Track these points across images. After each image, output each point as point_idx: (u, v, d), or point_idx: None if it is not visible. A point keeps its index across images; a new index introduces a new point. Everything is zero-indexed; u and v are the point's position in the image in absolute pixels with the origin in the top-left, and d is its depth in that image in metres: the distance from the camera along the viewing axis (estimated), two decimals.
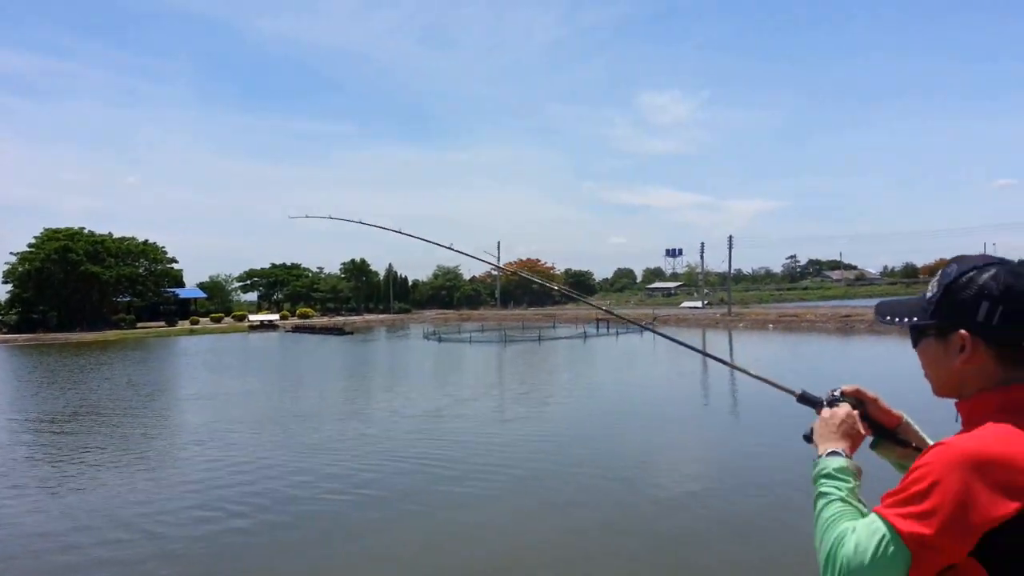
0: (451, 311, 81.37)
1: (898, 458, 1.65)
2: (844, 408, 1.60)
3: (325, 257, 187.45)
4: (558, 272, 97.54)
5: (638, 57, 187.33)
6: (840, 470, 1.48)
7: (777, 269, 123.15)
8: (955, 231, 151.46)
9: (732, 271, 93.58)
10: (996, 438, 1.30)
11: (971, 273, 1.41)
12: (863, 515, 1.38)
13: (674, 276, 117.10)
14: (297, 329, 57.12)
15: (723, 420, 15.04)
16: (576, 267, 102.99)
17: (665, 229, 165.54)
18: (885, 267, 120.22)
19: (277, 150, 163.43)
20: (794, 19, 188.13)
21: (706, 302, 64.58)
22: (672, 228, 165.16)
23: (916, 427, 1.67)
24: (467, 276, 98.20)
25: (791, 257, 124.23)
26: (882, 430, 1.64)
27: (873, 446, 1.67)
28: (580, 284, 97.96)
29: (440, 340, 40.71)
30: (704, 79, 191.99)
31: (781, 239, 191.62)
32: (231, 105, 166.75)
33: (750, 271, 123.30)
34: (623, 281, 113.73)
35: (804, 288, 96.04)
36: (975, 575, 1.27)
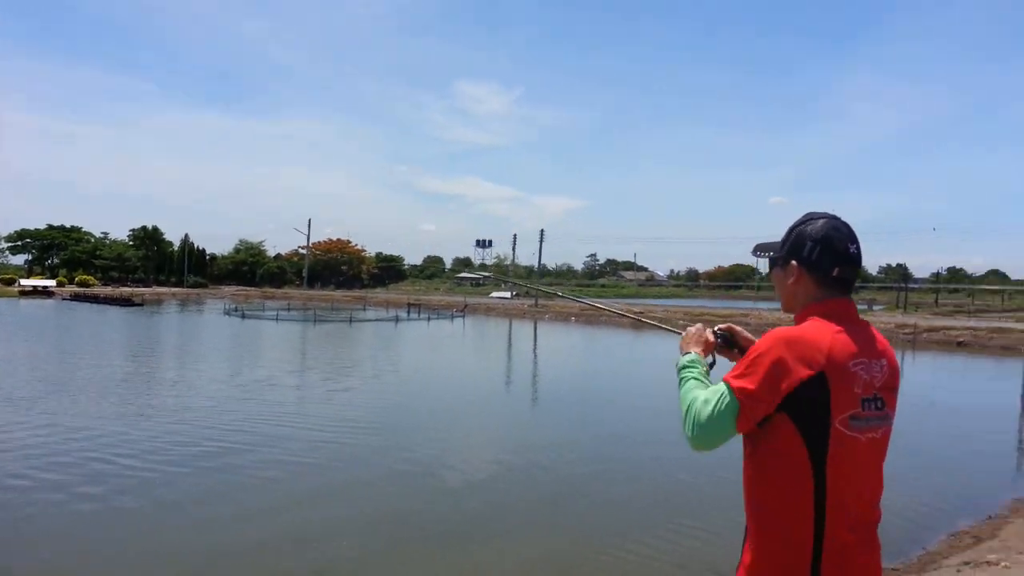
0: (253, 288, 77.35)
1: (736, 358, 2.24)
2: (696, 326, 2.23)
3: (112, 222, 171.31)
4: (369, 255, 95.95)
5: (459, 44, 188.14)
6: (692, 361, 2.07)
7: (578, 266, 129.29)
8: (732, 240, 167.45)
9: (535, 266, 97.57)
10: (807, 327, 1.88)
11: (806, 223, 2.03)
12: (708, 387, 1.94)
13: (483, 266, 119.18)
14: (77, 298, 51.90)
15: (523, 406, 15.52)
16: (387, 251, 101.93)
17: (475, 220, 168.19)
18: (672, 270, 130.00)
19: (66, 102, 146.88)
20: (605, 30, 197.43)
21: (514, 292, 66.42)
22: (482, 219, 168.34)
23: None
24: (271, 252, 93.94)
25: (591, 256, 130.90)
26: (742, 352, 2.23)
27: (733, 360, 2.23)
28: (390, 269, 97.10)
29: (244, 316, 38.71)
30: (521, 74, 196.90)
31: (584, 237, 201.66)
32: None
33: (554, 266, 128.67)
34: (433, 268, 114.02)
35: (602, 286, 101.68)
36: (783, 425, 1.80)
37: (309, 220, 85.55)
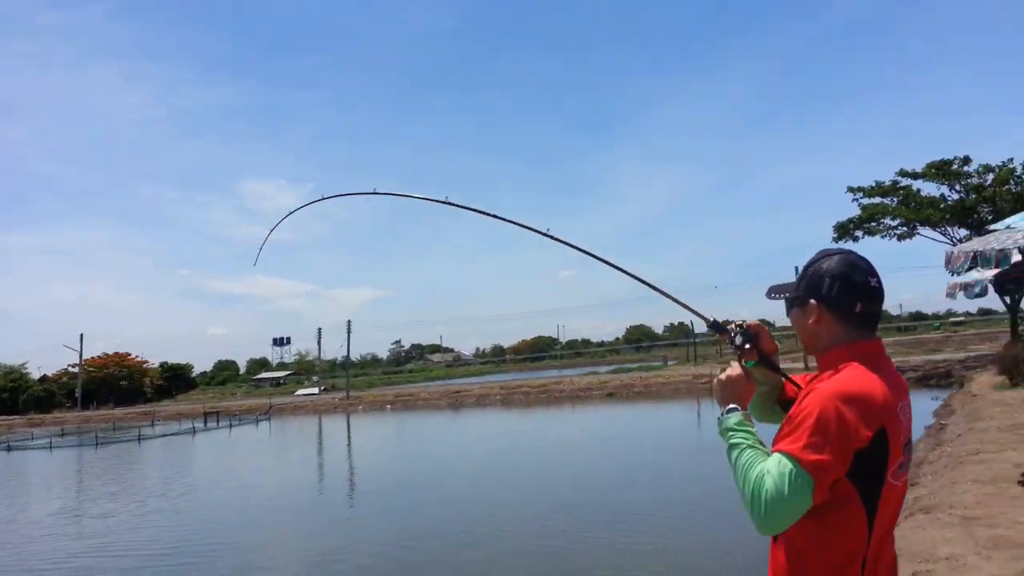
0: (16, 416, 67.77)
1: (762, 377, 2.06)
2: (735, 369, 1.98)
3: None
4: (152, 366, 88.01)
5: (241, 143, 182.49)
6: (740, 423, 1.87)
7: (383, 354, 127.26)
8: (532, 314, 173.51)
9: (340, 358, 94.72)
10: (854, 378, 1.74)
11: (821, 260, 1.93)
12: (768, 455, 1.74)
13: (282, 365, 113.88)
14: None
15: (336, 510, 14.47)
16: (173, 359, 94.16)
17: (269, 318, 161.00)
18: (477, 348, 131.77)
19: None
20: (386, 122, 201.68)
21: (322, 388, 63.63)
22: (276, 317, 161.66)
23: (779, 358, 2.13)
24: (36, 375, 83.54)
25: (396, 342, 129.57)
26: (763, 356, 2.04)
27: (749, 364, 2.04)
28: (178, 378, 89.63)
29: (9, 449, 33.52)
30: (309, 169, 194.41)
31: (387, 325, 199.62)
32: None
33: (358, 357, 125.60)
34: (226, 374, 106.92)
35: (410, 371, 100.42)
36: (844, 486, 1.68)
37: (81, 335, 77.09)
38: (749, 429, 1.86)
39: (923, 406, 18.05)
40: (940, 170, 32.29)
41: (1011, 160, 31.50)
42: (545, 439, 23.37)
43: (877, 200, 33.96)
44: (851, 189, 34.45)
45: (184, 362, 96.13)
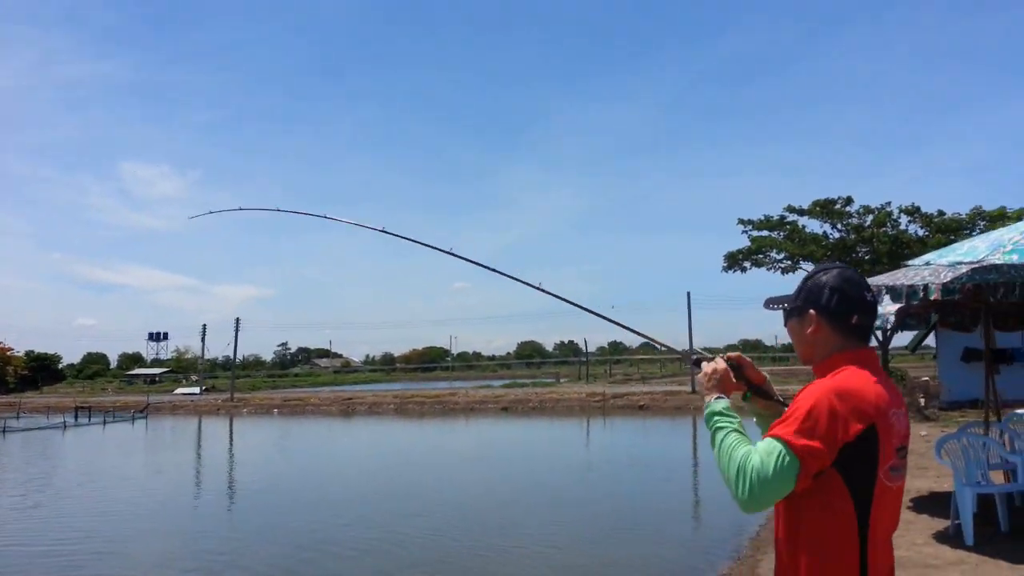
0: None
1: (762, 408, 2.20)
2: (719, 363, 2.14)
3: None
4: (17, 354, 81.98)
5: (122, 123, 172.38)
6: (727, 409, 2.01)
7: (267, 356, 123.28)
8: (424, 323, 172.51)
9: (221, 358, 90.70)
10: (850, 377, 1.87)
11: (820, 273, 2.05)
12: (752, 442, 1.87)
13: (158, 362, 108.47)
14: None
15: (216, 516, 14.15)
16: (39, 348, 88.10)
17: (144, 311, 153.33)
18: (367, 355, 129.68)
19: None
20: (286, 113, 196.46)
21: (204, 388, 60.99)
22: (152, 311, 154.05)
23: (774, 387, 2.25)
24: None
25: (282, 344, 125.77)
26: (753, 386, 2.18)
27: (745, 398, 2.22)
28: (44, 369, 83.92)
29: None
30: (199, 156, 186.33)
31: (272, 326, 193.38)
32: None
33: (241, 357, 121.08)
34: (95, 367, 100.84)
35: (296, 375, 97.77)
36: (832, 479, 1.78)
37: None
38: (734, 416, 1.97)
39: None
40: (824, 208, 34.56)
41: (888, 204, 34.16)
42: (442, 450, 23.39)
43: (765, 233, 35.98)
44: (741, 221, 36.37)
45: (51, 352, 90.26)
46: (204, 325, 60.95)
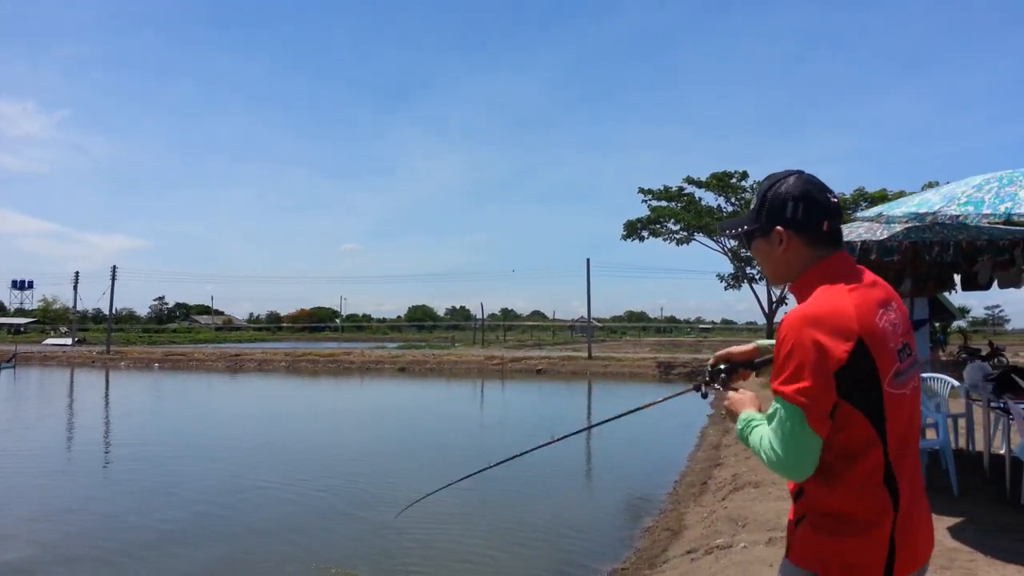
0: None
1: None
2: (734, 394, 2.02)
3: None
4: None
5: None
6: (744, 418, 1.87)
7: (143, 311, 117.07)
8: (311, 282, 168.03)
9: (92, 310, 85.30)
10: (822, 298, 1.72)
11: (777, 184, 1.87)
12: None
13: (21, 311, 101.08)
14: None
15: (91, 472, 13.30)
16: None
17: (6, 257, 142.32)
18: (251, 314, 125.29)
19: None
20: (169, 56, 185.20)
21: (75, 340, 57.18)
22: (13, 257, 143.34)
23: (766, 341, 2.14)
24: None
25: (159, 299, 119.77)
26: (749, 365, 2.12)
27: (757, 375, 2.16)
28: None
29: None
30: (69, 95, 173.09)
31: (148, 277, 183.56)
32: None
33: (114, 311, 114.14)
34: None
35: (174, 331, 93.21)
36: (841, 408, 1.66)
37: None
38: (753, 416, 1.85)
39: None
40: (721, 181, 35.61)
41: None
42: (333, 407, 22.82)
43: (664, 203, 36.75)
44: (642, 190, 36.98)
45: None
46: (77, 272, 57.06)
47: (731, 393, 2.03)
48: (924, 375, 9.05)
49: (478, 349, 45.46)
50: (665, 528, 7.65)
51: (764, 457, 1.72)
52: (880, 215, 5.37)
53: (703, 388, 2.17)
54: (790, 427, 1.64)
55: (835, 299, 1.70)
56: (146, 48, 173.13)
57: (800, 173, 1.87)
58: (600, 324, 54.06)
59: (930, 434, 7.96)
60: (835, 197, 1.85)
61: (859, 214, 6.56)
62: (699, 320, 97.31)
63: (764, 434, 1.73)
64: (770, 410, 1.72)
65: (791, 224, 1.82)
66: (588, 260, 41.47)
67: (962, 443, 8.47)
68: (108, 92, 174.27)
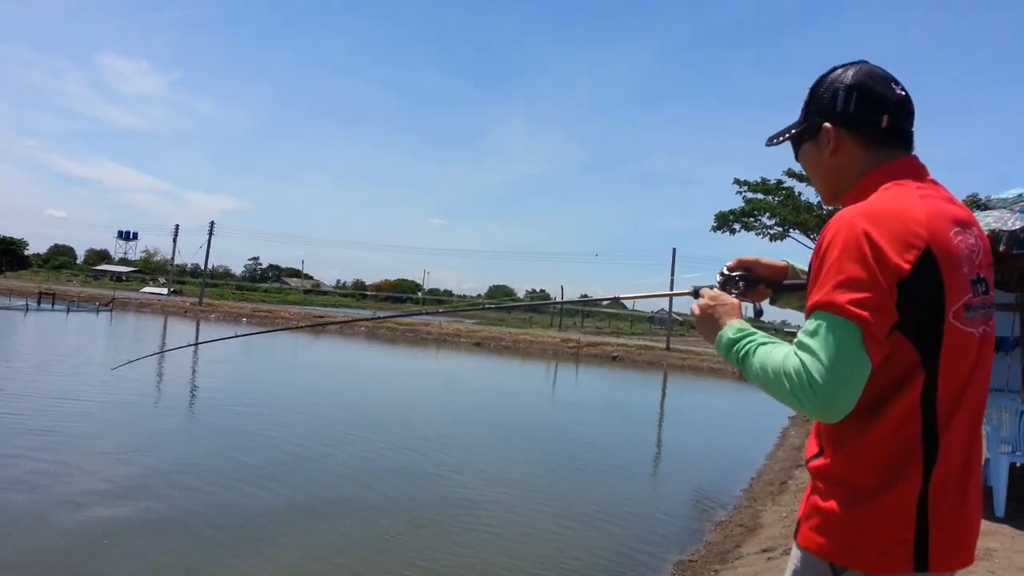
0: None
1: (799, 301, 1.71)
2: (710, 293, 1.63)
3: None
4: None
5: (103, 10, 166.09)
6: (740, 330, 1.49)
7: (238, 270, 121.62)
8: (397, 252, 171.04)
9: (191, 264, 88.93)
10: (884, 196, 1.38)
11: (830, 73, 1.54)
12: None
13: (125, 261, 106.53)
14: None
15: (173, 419, 13.54)
16: (6, 232, 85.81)
17: (113, 210, 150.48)
18: (338, 280, 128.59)
19: None
20: (271, 25, 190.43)
21: (172, 289, 59.81)
22: (121, 210, 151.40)
23: (802, 265, 1.75)
24: None
25: (253, 259, 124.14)
26: (774, 284, 1.73)
27: (772, 302, 1.79)
28: (9, 253, 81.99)
29: None
30: (178, 57, 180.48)
31: (245, 236, 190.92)
32: None
33: (211, 267, 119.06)
34: (62, 259, 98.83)
35: (265, 290, 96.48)
36: (892, 336, 1.29)
37: None
38: (752, 330, 1.48)
39: None
40: None
41: None
42: (416, 375, 22.94)
43: (760, 196, 35.39)
44: (737, 181, 35.73)
45: (19, 237, 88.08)
46: (177, 225, 59.69)
47: (714, 292, 1.64)
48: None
49: (555, 331, 45.13)
50: (739, 524, 7.19)
51: (786, 384, 1.29)
52: (1020, 196, 4.73)
53: (729, 283, 1.75)
54: (840, 347, 1.25)
55: (901, 198, 1.36)
56: (253, 12, 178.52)
57: (863, 63, 1.53)
58: (681, 319, 52.81)
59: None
60: (903, 89, 1.50)
61: (995, 196, 5.88)
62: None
63: (787, 354, 1.33)
64: (808, 323, 1.32)
65: (842, 120, 1.50)
66: (674, 250, 40.49)
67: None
68: (218, 55, 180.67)
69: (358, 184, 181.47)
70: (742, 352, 1.45)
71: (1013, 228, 6.05)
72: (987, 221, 6.12)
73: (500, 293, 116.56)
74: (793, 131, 1.60)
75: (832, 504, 1.37)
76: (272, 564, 5.41)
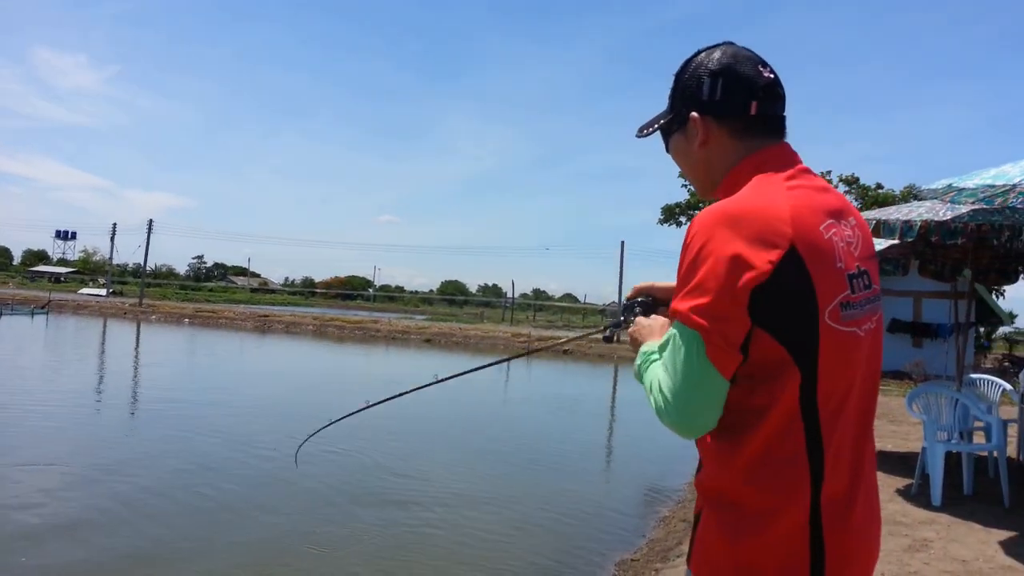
0: None
1: None
2: (640, 321, 1.56)
3: None
4: None
5: (39, 3, 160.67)
6: (644, 352, 1.41)
7: (181, 269, 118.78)
8: (346, 248, 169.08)
9: (132, 264, 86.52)
10: (747, 193, 1.28)
11: (695, 58, 1.43)
12: None
13: (63, 261, 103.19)
14: None
15: (113, 423, 13.09)
16: None
17: (50, 209, 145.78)
18: (286, 278, 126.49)
19: None
20: (209, 19, 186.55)
21: (111, 291, 58.03)
22: (59, 208, 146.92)
23: None
24: None
25: (198, 257, 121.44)
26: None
27: None
28: None
29: None
30: (116, 51, 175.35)
31: (186, 233, 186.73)
32: None
33: (152, 267, 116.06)
34: None
35: (211, 290, 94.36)
36: (760, 341, 1.19)
37: None
38: (654, 350, 1.37)
39: None
40: None
41: (829, 172, 34.52)
42: (358, 372, 22.60)
43: None
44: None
45: None
46: (114, 224, 57.82)
47: (639, 318, 1.58)
48: (973, 375, 8.38)
49: (506, 326, 45.07)
50: (682, 519, 7.15)
51: (652, 403, 1.27)
52: (950, 187, 4.76)
53: (610, 331, 1.75)
54: (684, 358, 1.20)
55: (764, 194, 1.26)
56: (185, 11, 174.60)
57: (728, 44, 1.43)
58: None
59: (978, 438, 7.35)
60: (771, 72, 1.39)
61: (926, 187, 5.93)
62: None
63: (655, 365, 1.30)
64: (662, 338, 1.29)
65: (709, 108, 1.39)
66: (623, 243, 41.03)
67: (1011, 451, 7.81)
68: (155, 50, 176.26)
69: (307, 180, 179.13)
70: (640, 372, 1.38)
71: (944, 219, 6.12)
72: (919, 212, 6.18)
73: (452, 288, 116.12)
74: (662, 121, 1.50)
75: (718, 528, 1.27)
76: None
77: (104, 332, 30.83)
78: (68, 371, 17.13)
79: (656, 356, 1.34)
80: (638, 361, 1.41)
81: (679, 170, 1.54)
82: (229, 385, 16.58)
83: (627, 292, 1.74)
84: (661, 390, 1.23)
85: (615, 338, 1.76)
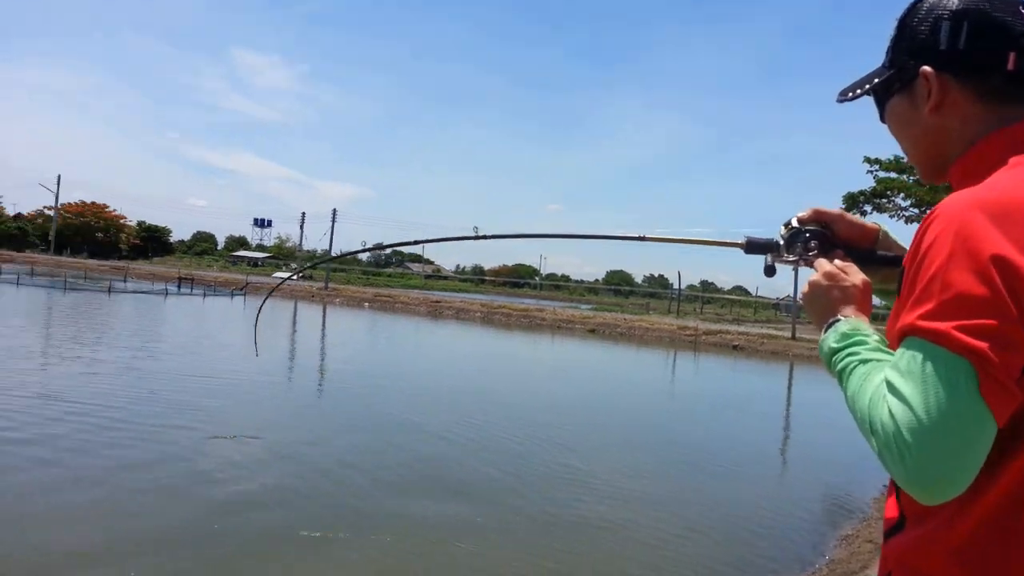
0: None
1: (882, 281, 1.25)
2: (824, 267, 1.19)
3: None
4: (130, 223, 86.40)
5: (238, 7, 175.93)
6: (845, 335, 1.07)
7: (362, 255, 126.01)
8: (516, 239, 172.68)
9: (320, 250, 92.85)
10: (1007, 181, 0.96)
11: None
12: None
13: (261, 247, 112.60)
14: None
15: (304, 397, 13.84)
16: (152, 221, 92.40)
17: (249, 198, 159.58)
18: (458, 265, 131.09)
19: None
20: (391, 16, 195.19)
21: (299, 275, 62.68)
22: (256, 199, 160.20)
23: (896, 238, 1.31)
24: (11, 211, 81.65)
25: (377, 244, 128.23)
26: (857, 253, 1.25)
27: None
28: (155, 240, 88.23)
29: None
30: (306, 51, 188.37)
31: (367, 223, 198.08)
32: None
33: (337, 253, 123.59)
34: (204, 245, 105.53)
35: (389, 275, 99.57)
36: None
37: (58, 176, 74.91)
38: (860, 337, 1.05)
39: None
40: None
41: None
42: (530, 361, 22.89)
43: (894, 175, 32.75)
44: (867, 159, 33.00)
45: (163, 225, 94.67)
46: (303, 213, 62.40)
47: (821, 261, 1.21)
48: None
49: (672, 318, 44.04)
50: (868, 540, 6.58)
51: (873, 440, 0.91)
52: None
53: (769, 258, 1.33)
54: (946, 394, 0.84)
55: None
56: (366, 9, 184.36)
57: None
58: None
59: None
60: None
61: None
62: None
63: (880, 389, 0.92)
64: (899, 355, 0.92)
65: (948, 61, 1.05)
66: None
67: None
68: (337, 51, 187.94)
69: (477, 170, 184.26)
70: (838, 368, 1.06)
71: None
72: None
73: (618, 278, 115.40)
74: (876, 80, 1.16)
75: None
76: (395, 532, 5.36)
77: (295, 313, 33.30)
78: (280, 345, 18.64)
79: (870, 349, 1.03)
80: (834, 341, 1.08)
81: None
82: (432, 369, 17.32)
83: (797, 220, 1.31)
84: (898, 428, 0.87)
85: (773, 269, 1.34)
